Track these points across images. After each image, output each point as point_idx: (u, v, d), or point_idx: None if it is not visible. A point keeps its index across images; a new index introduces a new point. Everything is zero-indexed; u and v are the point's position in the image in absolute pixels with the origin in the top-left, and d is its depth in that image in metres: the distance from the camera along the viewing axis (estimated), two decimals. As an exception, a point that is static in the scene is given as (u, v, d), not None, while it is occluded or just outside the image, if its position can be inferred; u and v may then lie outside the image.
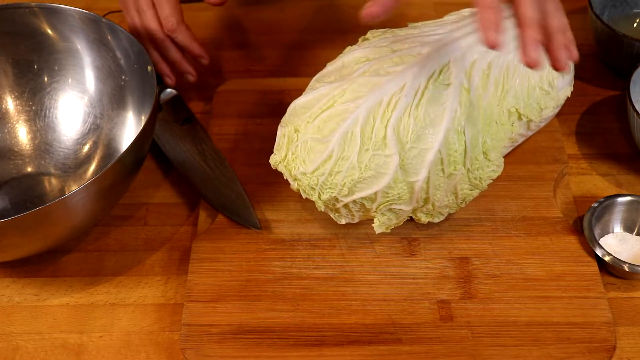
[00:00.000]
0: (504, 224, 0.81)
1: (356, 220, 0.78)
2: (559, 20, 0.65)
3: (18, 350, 0.75)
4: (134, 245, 0.83)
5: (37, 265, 0.81)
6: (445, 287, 0.76)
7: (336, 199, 0.73)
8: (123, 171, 0.76)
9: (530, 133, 0.83)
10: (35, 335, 0.76)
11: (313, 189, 0.73)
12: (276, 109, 0.90)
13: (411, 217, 0.78)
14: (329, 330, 0.73)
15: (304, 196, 0.75)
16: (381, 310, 0.75)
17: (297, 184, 0.74)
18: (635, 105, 0.84)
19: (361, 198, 0.72)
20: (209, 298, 0.76)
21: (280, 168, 0.75)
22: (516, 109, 0.76)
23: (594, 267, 0.78)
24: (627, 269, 0.76)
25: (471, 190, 0.75)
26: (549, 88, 0.79)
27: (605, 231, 0.81)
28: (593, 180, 0.88)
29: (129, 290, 0.79)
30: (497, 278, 0.77)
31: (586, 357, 0.71)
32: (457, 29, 0.77)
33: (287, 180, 0.76)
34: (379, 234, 0.80)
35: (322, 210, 0.76)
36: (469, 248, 0.79)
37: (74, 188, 0.81)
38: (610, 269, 0.78)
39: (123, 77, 0.87)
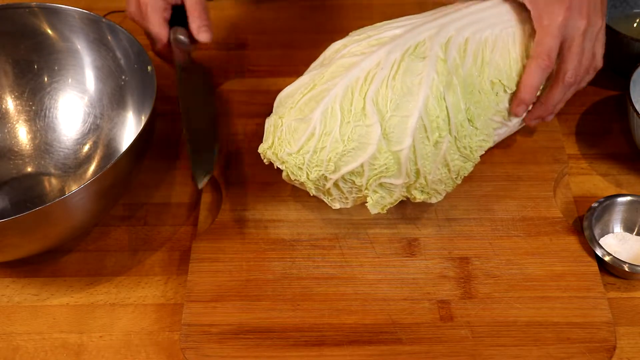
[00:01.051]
0: (504, 224, 0.81)
1: (350, 204, 0.78)
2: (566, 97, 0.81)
3: (18, 350, 0.75)
4: (134, 245, 0.83)
5: (37, 265, 0.81)
6: (445, 287, 0.76)
7: (325, 178, 0.73)
8: (123, 171, 0.76)
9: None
10: (35, 335, 0.76)
11: (300, 168, 0.73)
12: (276, 109, 0.90)
13: (407, 198, 0.77)
14: (329, 330, 0.73)
15: (292, 178, 0.75)
16: (381, 310, 0.75)
17: (285, 167, 0.74)
18: (635, 105, 0.84)
19: (349, 173, 0.72)
20: (209, 298, 0.76)
21: (269, 155, 0.75)
22: (499, 80, 0.76)
23: (594, 267, 0.78)
24: (627, 269, 0.76)
25: (464, 163, 0.75)
26: None
27: (605, 231, 0.81)
28: (593, 180, 0.88)
29: (129, 290, 0.79)
30: (497, 278, 0.77)
31: (586, 357, 0.71)
32: (433, 14, 0.78)
33: (278, 168, 0.76)
34: (379, 234, 0.80)
35: (314, 193, 0.76)
36: (469, 248, 0.79)
37: (74, 188, 0.81)
38: (610, 269, 0.78)
39: (123, 77, 0.87)
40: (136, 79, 0.86)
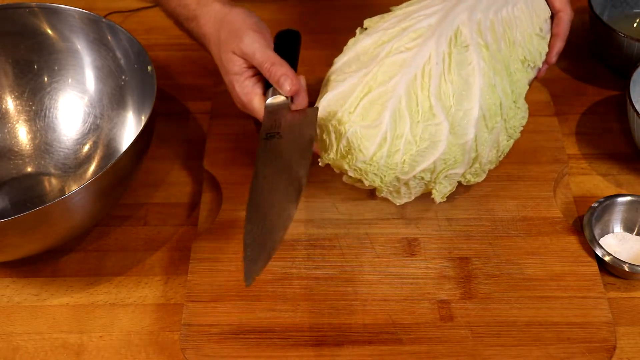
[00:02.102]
0: (504, 224, 0.81)
1: (412, 198, 0.79)
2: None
3: (18, 350, 0.75)
4: (134, 245, 0.83)
5: (37, 265, 0.81)
6: (445, 287, 0.76)
7: (397, 179, 0.74)
8: (123, 171, 0.76)
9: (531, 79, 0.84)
10: (35, 335, 0.76)
11: (375, 174, 0.74)
12: (276, 109, 0.90)
13: (460, 183, 0.79)
14: (329, 330, 0.73)
15: (366, 184, 0.75)
16: (381, 310, 0.75)
17: (361, 174, 0.74)
18: (635, 105, 0.84)
19: (421, 171, 0.74)
20: (209, 298, 0.76)
21: (338, 164, 0.76)
22: (525, 57, 0.78)
23: (594, 267, 0.78)
24: (627, 269, 0.76)
25: (508, 141, 0.78)
26: (541, 32, 0.81)
27: (605, 231, 0.81)
28: (593, 180, 0.88)
29: (129, 290, 0.79)
30: (497, 278, 0.77)
31: (586, 357, 0.71)
32: None
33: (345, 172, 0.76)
34: (379, 234, 0.80)
35: (383, 194, 0.77)
36: (469, 248, 0.79)
37: (74, 188, 0.81)
38: (610, 269, 0.78)
39: (123, 77, 0.87)
40: (136, 79, 0.86)
